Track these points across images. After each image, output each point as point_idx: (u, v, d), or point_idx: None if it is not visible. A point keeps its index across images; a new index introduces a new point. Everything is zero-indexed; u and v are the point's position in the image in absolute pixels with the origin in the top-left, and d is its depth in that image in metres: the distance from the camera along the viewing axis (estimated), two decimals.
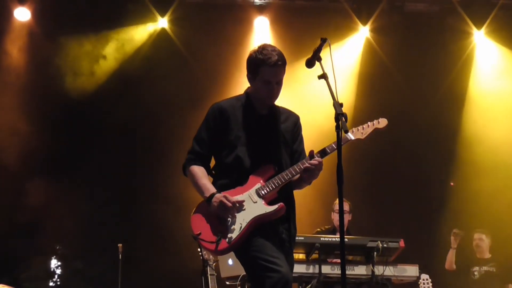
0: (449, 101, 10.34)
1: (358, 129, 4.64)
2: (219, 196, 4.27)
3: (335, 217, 7.74)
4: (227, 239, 4.25)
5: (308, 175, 4.39)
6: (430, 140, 10.28)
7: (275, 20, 10.35)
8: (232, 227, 4.27)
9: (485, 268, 8.30)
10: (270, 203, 4.33)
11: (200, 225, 4.34)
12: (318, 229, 8.00)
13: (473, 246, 8.54)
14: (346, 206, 7.97)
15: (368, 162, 9.86)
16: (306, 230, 7.87)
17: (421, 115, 10.20)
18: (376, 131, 4.72)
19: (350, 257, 6.76)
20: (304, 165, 4.34)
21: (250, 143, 4.40)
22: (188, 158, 4.50)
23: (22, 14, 9.93)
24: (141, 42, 10.26)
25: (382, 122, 4.70)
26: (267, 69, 4.33)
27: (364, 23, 10.42)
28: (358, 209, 8.20)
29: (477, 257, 8.48)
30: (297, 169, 4.37)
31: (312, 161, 4.33)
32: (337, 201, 7.93)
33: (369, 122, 4.69)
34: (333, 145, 4.42)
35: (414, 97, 10.29)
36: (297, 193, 4.60)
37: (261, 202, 4.32)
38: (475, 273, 8.29)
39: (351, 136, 4.52)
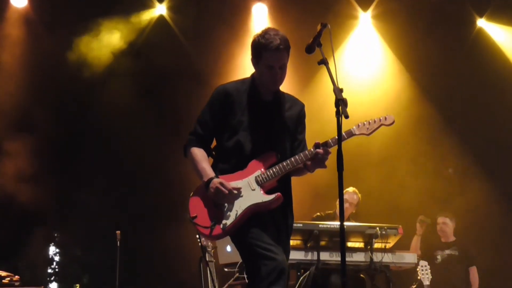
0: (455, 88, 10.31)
1: (364, 124, 4.51)
2: (216, 181, 4.24)
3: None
4: (221, 225, 4.24)
5: (313, 163, 4.35)
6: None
7: (273, 7, 10.32)
8: (227, 213, 4.25)
9: (447, 251, 8.31)
10: (268, 192, 4.31)
11: (197, 208, 4.33)
12: (318, 214, 8.00)
13: (437, 231, 8.54)
14: (354, 199, 7.97)
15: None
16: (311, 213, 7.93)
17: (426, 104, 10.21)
18: (382, 127, 4.56)
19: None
20: (311, 153, 4.30)
21: (252, 129, 4.36)
22: (190, 140, 4.47)
23: (19, 1, 9.87)
24: (139, 29, 10.22)
25: (389, 119, 4.56)
26: (269, 54, 4.28)
27: (365, 9, 10.44)
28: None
29: (442, 241, 8.49)
30: (298, 159, 4.33)
31: (319, 150, 4.27)
32: (347, 189, 7.95)
33: (375, 118, 4.55)
34: (343, 134, 4.34)
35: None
36: (305, 177, 4.57)
37: (259, 190, 4.29)
38: (438, 257, 8.29)
39: (355, 131, 4.47)
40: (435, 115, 10.17)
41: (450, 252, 8.32)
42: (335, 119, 3.93)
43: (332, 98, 3.95)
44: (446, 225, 8.50)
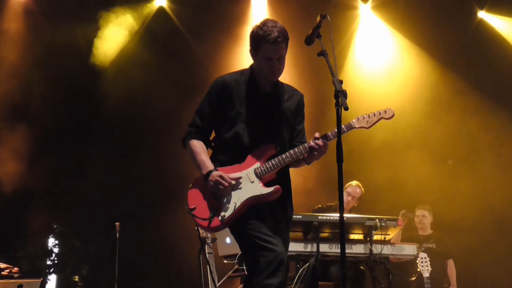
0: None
1: (363, 117, 4.48)
2: (215, 174, 4.23)
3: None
4: (220, 217, 4.23)
5: (310, 155, 4.34)
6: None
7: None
8: (226, 205, 4.24)
9: (425, 245, 8.31)
10: (267, 184, 4.29)
11: (195, 200, 4.32)
12: (320, 206, 7.99)
13: (416, 223, 8.54)
14: (357, 192, 7.95)
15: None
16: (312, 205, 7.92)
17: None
18: (382, 121, 4.53)
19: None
20: (309, 144, 4.29)
21: (250, 120, 4.35)
22: (189, 131, 4.46)
23: None
24: (139, 20, 10.20)
25: (389, 113, 4.53)
26: (267, 45, 4.25)
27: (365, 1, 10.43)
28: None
29: (419, 234, 8.50)
30: (298, 152, 4.31)
31: (318, 142, 4.27)
32: (350, 182, 7.94)
33: (375, 112, 4.52)
34: (343, 127, 4.33)
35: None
36: (305, 170, 4.54)
37: (258, 183, 4.28)
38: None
39: (355, 124, 4.45)
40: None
41: (428, 245, 8.33)
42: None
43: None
44: (425, 218, 8.55)
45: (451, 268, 8.34)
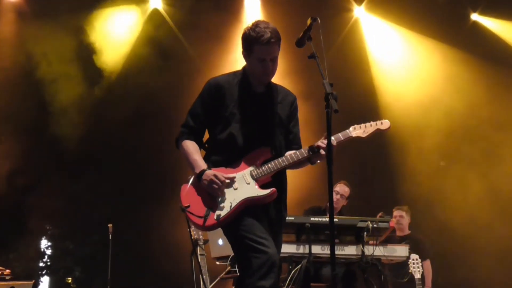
0: None
1: (360, 127, 4.51)
2: (209, 173, 4.24)
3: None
4: (215, 216, 4.22)
5: (315, 155, 4.32)
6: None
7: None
8: (221, 205, 4.24)
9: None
10: (263, 186, 4.30)
11: (190, 198, 4.31)
12: (311, 207, 7.99)
13: (394, 224, 8.55)
14: (346, 191, 7.97)
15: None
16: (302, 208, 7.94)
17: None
18: (378, 132, 4.55)
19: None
20: (317, 144, 4.27)
21: (244, 121, 4.35)
22: (182, 132, 4.46)
23: None
24: (133, 22, 10.20)
25: (385, 124, 4.55)
26: (260, 47, 4.26)
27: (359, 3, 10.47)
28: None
29: (397, 234, 8.52)
30: (294, 157, 4.33)
31: (326, 141, 4.23)
32: (338, 183, 7.96)
33: (372, 122, 4.55)
34: (339, 135, 4.40)
35: None
36: (297, 172, 4.57)
37: (254, 184, 4.29)
38: None
39: (351, 132, 4.47)
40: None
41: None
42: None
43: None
44: (403, 218, 8.60)
45: (427, 269, 8.36)
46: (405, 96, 10.46)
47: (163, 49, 10.09)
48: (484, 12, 10.67)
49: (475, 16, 10.74)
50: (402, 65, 10.65)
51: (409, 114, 10.29)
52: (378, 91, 10.38)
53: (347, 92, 9.21)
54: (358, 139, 4.51)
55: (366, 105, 10.13)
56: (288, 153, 4.40)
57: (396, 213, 8.57)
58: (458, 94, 10.26)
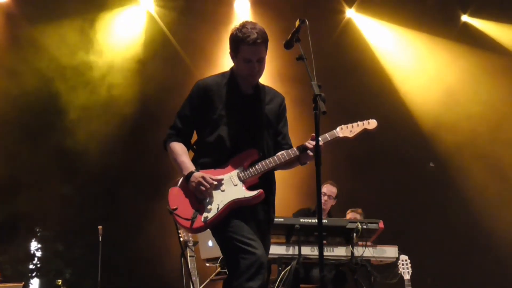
0: None
1: (347, 127, 4.53)
2: (197, 175, 4.24)
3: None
4: (202, 218, 4.23)
5: (304, 156, 4.34)
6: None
7: (255, 2, 10.34)
8: (209, 207, 4.25)
9: None
10: (250, 188, 4.31)
11: (177, 200, 4.32)
12: (301, 208, 8.01)
13: None
14: (333, 192, 8.00)
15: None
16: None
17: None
18: (365, 132, 4.57)
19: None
20: (304, 144, 4.30)
21: (233, 123, 4.36)
22: (169, 134, 4.47)
23: None
24: (124, 24, 10.19)
25: (372, 124, 4.58)
26: (246, 47, 4.27)
27: (350, 5, 10.51)
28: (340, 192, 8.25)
29: None
30: (281, 158, 4.34)
31: (313, 142, 4.26)
32: (325, 183, 7.98)
33: (359, 122, 4.57)
34: (326, 135, 4.42)
35: None
36: (286, 173, 4.58)
37: (241, 186, 4.30)
38: None
39: (338, 133, 4.49)
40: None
41: None
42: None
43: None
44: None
45: None
46: (400, 95, 10.50)
47: (154, 51, 10.08)
48: (474, 13, 10.71)
49: (465, 18, 10.78)
50: (395, 65, 10.66)
51: (405, 113, 10.39)
52: (372, 91, 10.34)
53: (340, 92, 9.25)
54: (345, 139, 4.52)
55: (360, 104, 10.13)
56: (277, 154, 4.40)
57: (350, 215, 8.54)
58: (455, 96, 10.29)
